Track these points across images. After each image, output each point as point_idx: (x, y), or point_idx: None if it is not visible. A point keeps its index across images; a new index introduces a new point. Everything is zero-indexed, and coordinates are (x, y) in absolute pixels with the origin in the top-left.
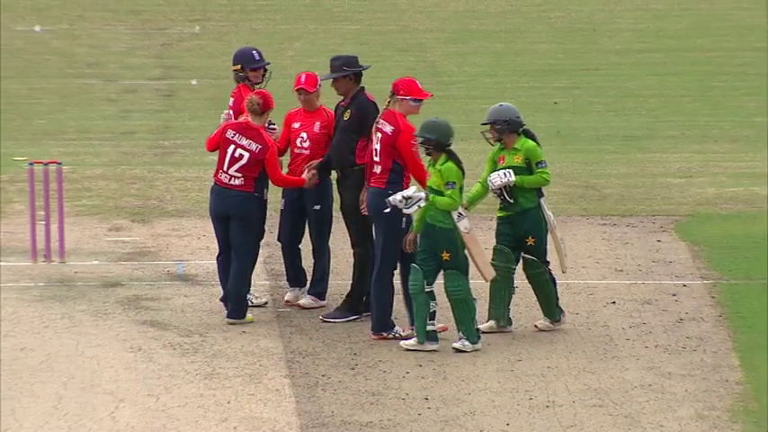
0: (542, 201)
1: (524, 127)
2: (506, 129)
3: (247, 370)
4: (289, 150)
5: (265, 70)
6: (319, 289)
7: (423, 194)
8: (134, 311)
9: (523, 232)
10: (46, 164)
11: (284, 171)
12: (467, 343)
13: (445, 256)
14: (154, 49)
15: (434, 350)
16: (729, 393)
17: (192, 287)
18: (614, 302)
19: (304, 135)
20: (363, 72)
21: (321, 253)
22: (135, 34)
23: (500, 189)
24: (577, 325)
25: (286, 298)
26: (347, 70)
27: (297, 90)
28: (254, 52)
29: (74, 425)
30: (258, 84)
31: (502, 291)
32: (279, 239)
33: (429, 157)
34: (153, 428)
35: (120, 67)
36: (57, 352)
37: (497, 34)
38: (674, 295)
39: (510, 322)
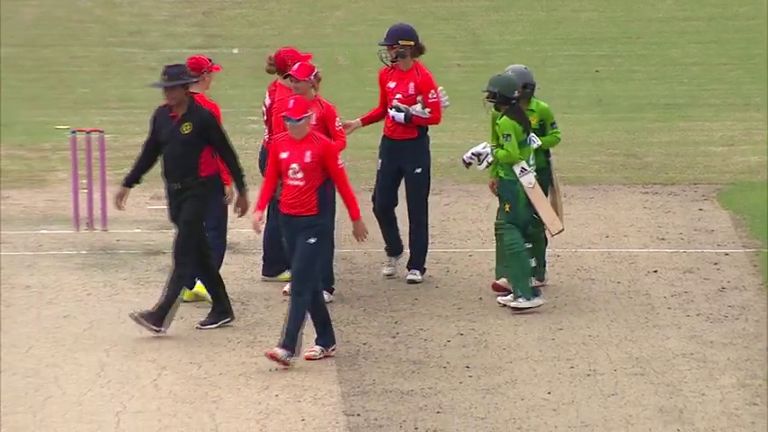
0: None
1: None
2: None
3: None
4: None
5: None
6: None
7: (489, 149)
8: None
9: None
10: (88, 132)
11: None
12: (522, 301)
13: (506, 207)
14: (195, 18)
15: (540, 305)
16: None
17: (234, 255)
18: (656, 271)
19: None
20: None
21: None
22: (176, 2)
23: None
24: (619, 294)
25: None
26: (185, 78)
27: (285, 77)
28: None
29: (117, 392)
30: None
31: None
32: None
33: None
34: (195, 396)
35: (161, 35)
36: (99, 320)
37: (539, 2)
38: (715, 264)
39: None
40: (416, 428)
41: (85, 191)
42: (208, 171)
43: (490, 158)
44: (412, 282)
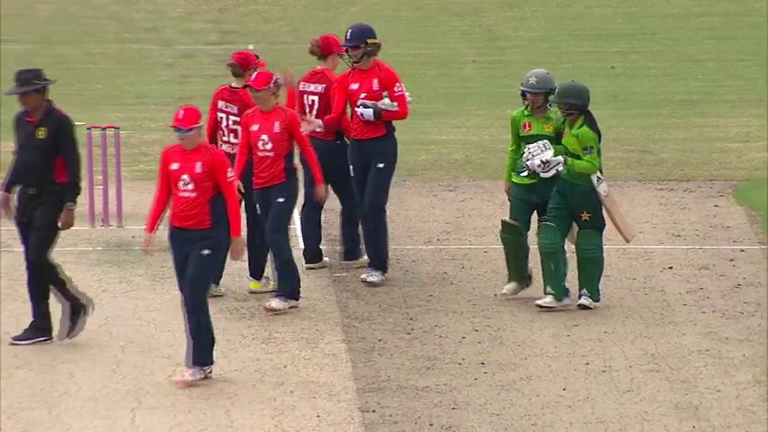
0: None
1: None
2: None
3: (304, 334)
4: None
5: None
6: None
7: (561, 158)
8: None
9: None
10: (104, 128)
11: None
12: (591, 300)
13: (585, 216)
14: (211, 14)
15: (568, 305)
16: None
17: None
18: (671, 267)
19: (265, 137)
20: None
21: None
22: None
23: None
24: (634, 290)
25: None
26: (38, 83)
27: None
28: None
29: (132, 388)
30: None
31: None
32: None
33: (567, 120)
34: (210, 392)
35: (177, 32)
36: (115, 316)
37: None
38: (731, 260)
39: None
40: (431, 425)
41: (101, 187)
42: (63, 178)
43: (561, 167)
44: (371, 284)
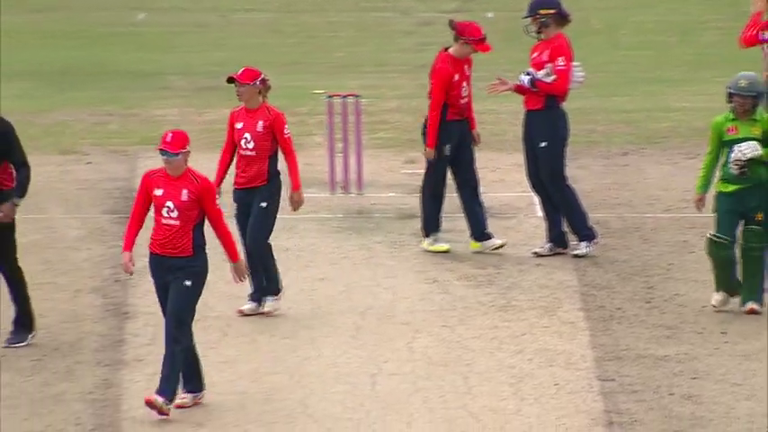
0: None
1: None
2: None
3: (542, 302)
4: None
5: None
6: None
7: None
8: None
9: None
10: (344, 96)
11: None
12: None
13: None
14: None
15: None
16: None
17: (488, 219)
18: None
19: (248, 135)
20: None
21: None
22: None
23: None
24: None
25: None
26: None
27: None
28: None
29: (371, 353)
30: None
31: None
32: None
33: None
34: (449, 359)
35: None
36: (354, 283)
37: None
38: None
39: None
40: (671, 394)
41: (341, 155)
42: (10, 184)
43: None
44: (576, 256)
